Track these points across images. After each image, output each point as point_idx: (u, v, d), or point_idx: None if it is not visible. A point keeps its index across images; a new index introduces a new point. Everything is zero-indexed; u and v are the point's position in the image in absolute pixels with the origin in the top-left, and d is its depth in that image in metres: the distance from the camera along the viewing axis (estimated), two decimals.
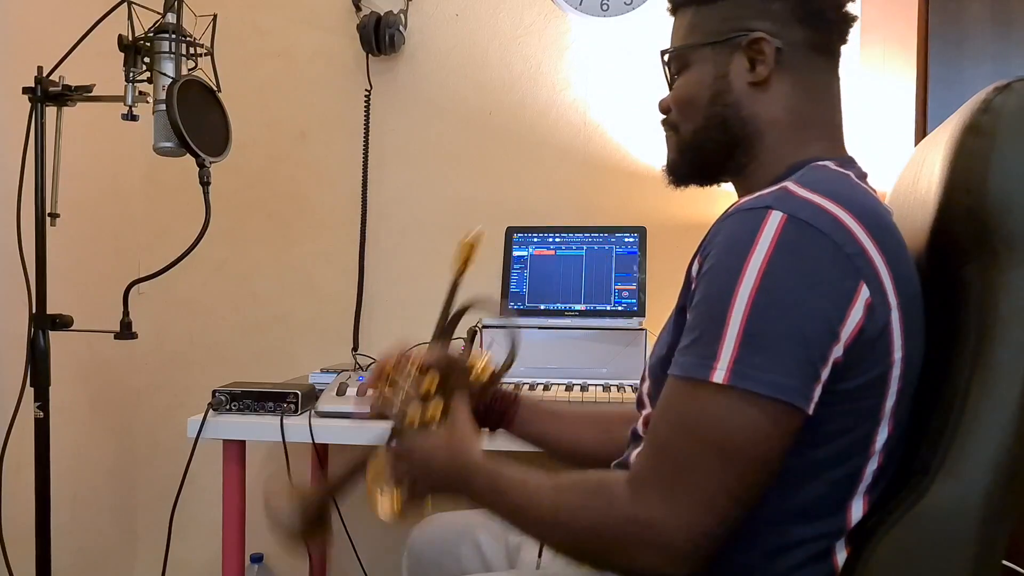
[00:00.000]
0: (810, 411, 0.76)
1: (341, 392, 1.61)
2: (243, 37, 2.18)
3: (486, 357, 1.01)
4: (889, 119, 1.71)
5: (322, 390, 1.65)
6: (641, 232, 1.85)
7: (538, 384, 1.59)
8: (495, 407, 1.16)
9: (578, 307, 1.83)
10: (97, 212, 2.09)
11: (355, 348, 2.14)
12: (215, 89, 1.53)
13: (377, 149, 2.17)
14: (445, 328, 1.06)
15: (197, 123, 1.45)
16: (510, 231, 1.93)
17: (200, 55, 1.51)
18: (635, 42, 2.04)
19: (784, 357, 0.74)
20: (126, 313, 1.52)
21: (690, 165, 0.98)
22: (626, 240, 1.85)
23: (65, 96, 1.52)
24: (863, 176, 0.91)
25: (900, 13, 1.62)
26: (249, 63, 2.19)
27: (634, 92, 2.04)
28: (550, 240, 1.90)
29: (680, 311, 0.84)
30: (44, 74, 1.50)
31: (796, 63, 0.90)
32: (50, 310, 1.53)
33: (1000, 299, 0.82)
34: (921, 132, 1.53)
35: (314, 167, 2.20)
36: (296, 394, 1.59)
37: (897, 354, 0.79)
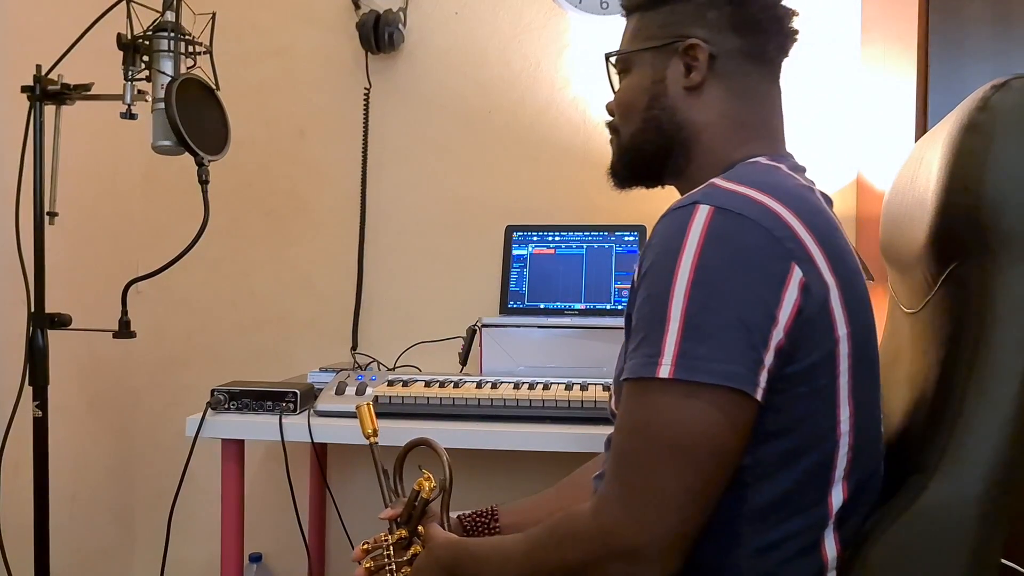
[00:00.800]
0: (759, 397, 0.76)
1: (340, 391, 1.61)
2: (242, 35, 2.18)
3: (427, 477, 1.06)
4: (889, 118, 1.71)
5: (321, 389, 1.65)
6: (641, 231, 1.85)
7: (538, 383, 1.59)
8: (477, 532, 1.20)
9: (578, 306, 1.83)
10: (96, 211, 2.09)
11: (354, 347, 2.14)
12: (214, 87, 1.52)
13: (376, 148, 2.16)
14: (391, 488, 1.16)
15: (196, 121, 1.44)
16: (509, 229, 1.93)
17: (199, 53, 1.50)
18: None
19: (726, 345, 0.75)
20: (125, 312, 1.52)
21: (629, 167, 1.01)
22: (626, 239, 1.85)
23: (64, 95, 1.51)
24: (799, 169, 0.93)
25: (900, 12, 1.61)
26: (248, 61, 2.19)
27: None
28: (550, 239, 1.90)
29: (628, 319, 0.85)
30: (43, 73, 1.50)
31: (730, 70, 0.93)
32: (48, 309, 1.52)
33: (997, 297, 0.82)
34: (921, 131, 1.52)
35: (313, 166, 2.20)
36: (295, 393, 1.59)
37: (841, 331, 0.79)
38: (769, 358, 0.76)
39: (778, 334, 0.76)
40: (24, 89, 1.49)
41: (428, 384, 1.62)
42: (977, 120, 0.84)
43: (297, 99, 2.20)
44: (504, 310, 1.88)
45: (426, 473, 1.07)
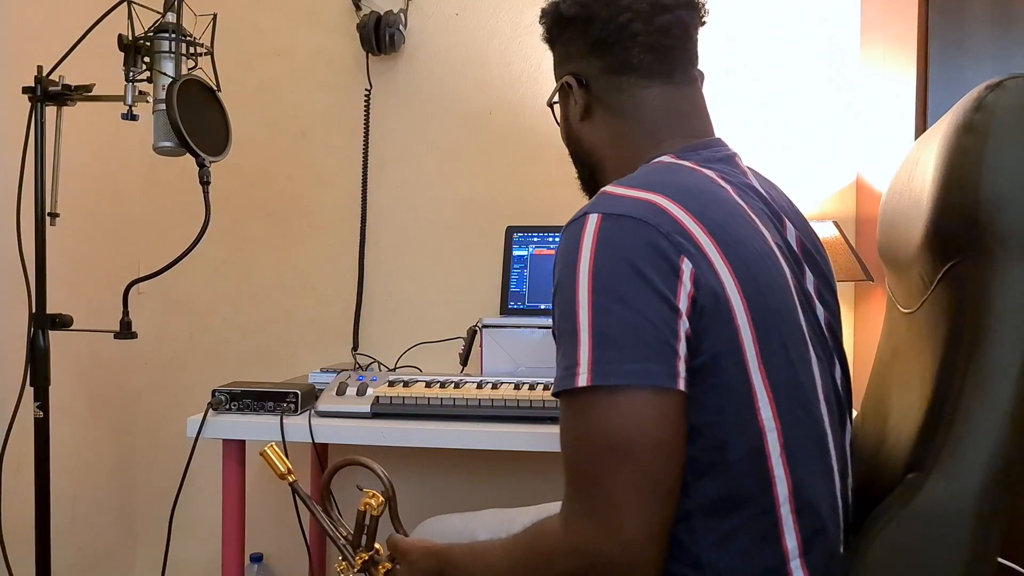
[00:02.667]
0: (681, 387, 0.78)
1: (341, 392, 1.61)
2: (243, 37, 2.18)
3: (371, 495, 1.06)
4: (889, 118, 1.71)
5: (322, 390, 1.65)
6: None
7: (538, 384, 1.59)
8: None
9: None
10: (97, 212, 2.09)
11: (355, 348, 2.14)
12: (215, 89, 1.53)
13: (377, 148, 2.17)
14: (333, 519, 1.13)
15: (197, 123, 1.45)
16: (510, 230, 1.93)
17: (200, 54, 1.51)
18: None
19: (636, 344, 0.76)
20: (126, 312, 1.52)
21: (588, 192, 1.09)
22: None
23: (65, 96, 1.51)
24: (717, 159, 0.94)
25: (900, 13, 1.62)
26: (249, 63, 2.19)
27: None
28: (550, 240, 1.90)
29: (554, 335, 0.87)
30: (44, 74, 1.50)
31: (603, 90, 0.99)
32: (50, 310, 1.53)
33: (993, 297, 0.82)
34: (921, 131, 1.52)
35: (314, 167, 2.20)
36: (296, 394, 1.59)
37: (741, 318, 0.80)
38: (683, 348, 0.78)
39: (684, 324, 0.78)
40: (25, 90, 1.50)
41: (429, 384, 1.62)
42: (972, 120, 0.84)
43: (298, 100, 2.20)
44: (504, 311, 1.88)
45: (367, 491, 1.06)
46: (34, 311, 1.52)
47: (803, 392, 0.85)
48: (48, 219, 1.53)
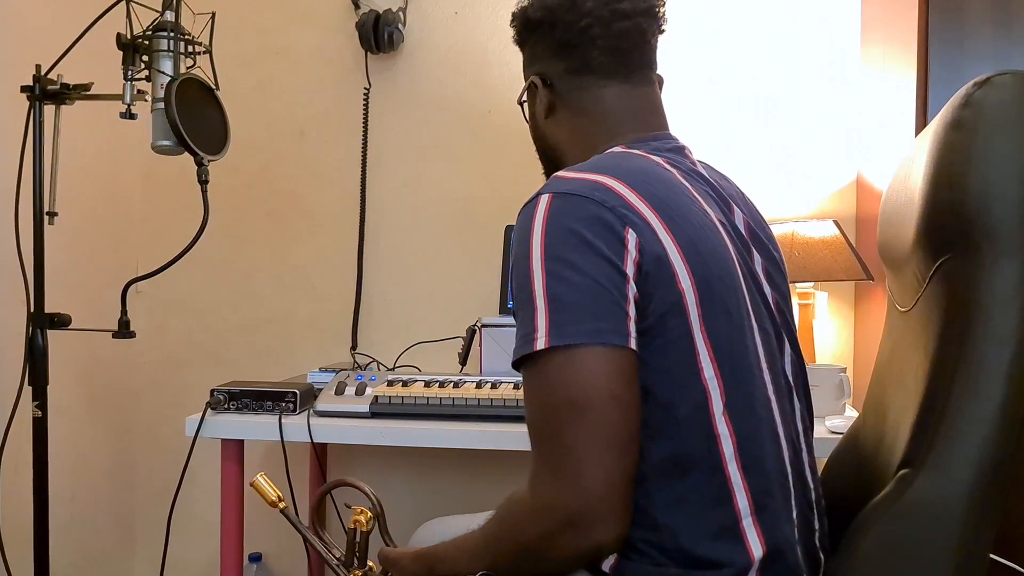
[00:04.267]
0: (632, 345, 0.82)
1: (340, 391, 1.61)
2: (242, 35, 2.18)
3: (359, 511, 1.10)
4: (889, 118, 1.71)
5: (320, 389, 1.65)
6: None
7: None
8: None
9: None
10: (95, 211, 2.09)
11: (354, 347, 2.14)
12: (214, 87, 1.52)
13: (376, 147, 2.16)
14: (322, 539, 1.17)
15: (196, 121, 1.44)
16: (509, 229, 1.93)
17: (199, 53, 1.50)
18: None
19: (588, 305, 0.82)
20: (124, 312, 1.51)
21: None
22: None
23: (63, 94, 1.51)
24: (665, 150, 0.99)
25: (900, 12, 1.61)
26: (248, 61, 2.19)
27: None
28: None
29: (513, 314, 0.91)
30: (42, 72, 1.50)
31: (566, 89, 1.05)
32: (48, 309, 1.52)
33: (982, 293, 0.82)
34: (921, 131, 1.52)
35: (313, 166, 2.20)
36: (294, 393, 1.59)
37: (685, 282, 0.85)
38: (632, 309, 0.83)
39: (632, 287, 0.83)
40: (24, 89, 1.49)
41: (428, 384, 1.62)
42: (960, 117, 0.84)
43: (297, 99, 2.20)
44: (504, 310, 1.88)
45: (356, 508, 1.09)
46: (32, 310, 1.52)
47: (745, 355, 0.88)
48: (46, 218, 1.53)
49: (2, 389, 1.66)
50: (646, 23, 1.03)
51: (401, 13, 2.10)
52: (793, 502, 0.90)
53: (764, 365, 0.90)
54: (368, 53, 2.12)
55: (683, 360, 0.85)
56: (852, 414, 1.72)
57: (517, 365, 0.86)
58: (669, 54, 2.04)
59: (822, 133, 2.00)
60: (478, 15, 2.13)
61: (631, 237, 0.84)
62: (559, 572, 0.85)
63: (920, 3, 1.49)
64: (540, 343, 0.82)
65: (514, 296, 0.88)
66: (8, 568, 1.56)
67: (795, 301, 1.79)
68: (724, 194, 0.99)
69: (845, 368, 1.69)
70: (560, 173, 0.92)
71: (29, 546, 1.53)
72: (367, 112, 2.15)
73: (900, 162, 1.07)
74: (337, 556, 1.10)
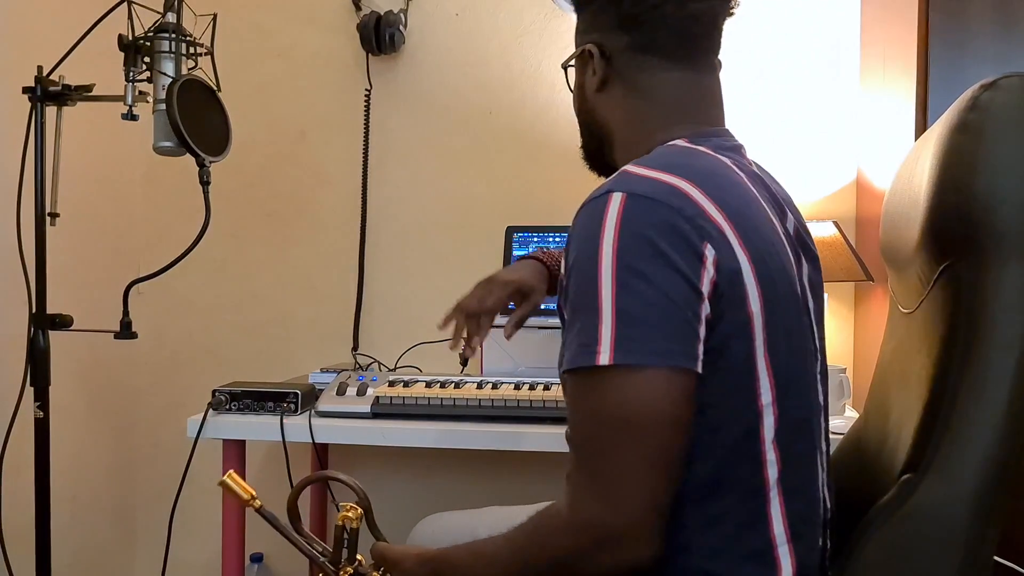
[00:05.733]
0: (699, 369, 0.78)
1: (341, 392, 1.61)
2: (243, 36, 2.18)
3: (348, 507, 1.04)
4: (889, 119, 1.71)
5: (322, 390, 1.65)
6: None
7: (538, 384, 1.59)
8: None
9: None
10: (97, 212, 2.09)
11: (355, 348, 2.14)
12: (215, 89, 1.53)
13: (377, 148, 2.17)
14: (305, 535, 1.10)
15: (197, 123, 1.45)
16: (510, 231, 1.93)
17: (200, 54, 1.51)
18: None
19: (659, 324, 0.77)
20: (126, 313, 1.52)
21: (590, 161, 1.09)
22: None
23: (65, 96, 1.51)
24: (728, 148, 0.94)
25: (900, 13, 1.61)
26: (249, 63, 2.19)
27: None
28: (550, 240, 1.90)
29: (561, 312, 0.87)
30: (44, 74, 1.50)
31: (625, 65, 0.97)
32: (50, 310, 1.52)
33: (988, 296, 0.82)
34: (921, 132, 1.52)
35: (314, 167, 2.20)
36: (296, 394, 1.59)
37: (755, 305, 0.81)
38: (703, 330, 0.79)
39: (706, 308, 0.79)
40: (25, 90, 1.50)
41: (429, 385, 1.62)
42: (967, 120, 0.84)
43: (298, 100, 2.20)
44: (504, 311, 1.88)
45: (344, 505, 1.05)
46: (34, 311, 1.52)
47: (804, 380, 0.86)
48: (48, 219, 1.53)
49: (4, 390, 1.67)
50: (720, 6, 0.97)
51: (402, 14, 2.11)
52: (820, 526, 0.89)
53: (818, 390, 0.88)
54: (369, 54, 2.12)
55: (742, 384, 0.81)
56: (852, 415, 1.72)
57: (570, 373, 0.81)
58: None
59: (822, 134, 2.00)
60: (479, 16, 2.13)
61: (709, 253, 0.79)
62: None
63: (920, 4, 1.49)
64: (604, 357, 0.76)
65: (570, 298, 0.83)
66: (9, 568, 1.56)
67: None
68: (779, 199, 0.95)
69: (845, 368, 1.69)
70: (631, 169, 0.85)
71: (30, 546, 1.53)
72: (368, 113, 2.15)
73: (903, 163, 1.07)
74: (320, 551, 1.06)
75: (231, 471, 1.09)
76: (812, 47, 2.00)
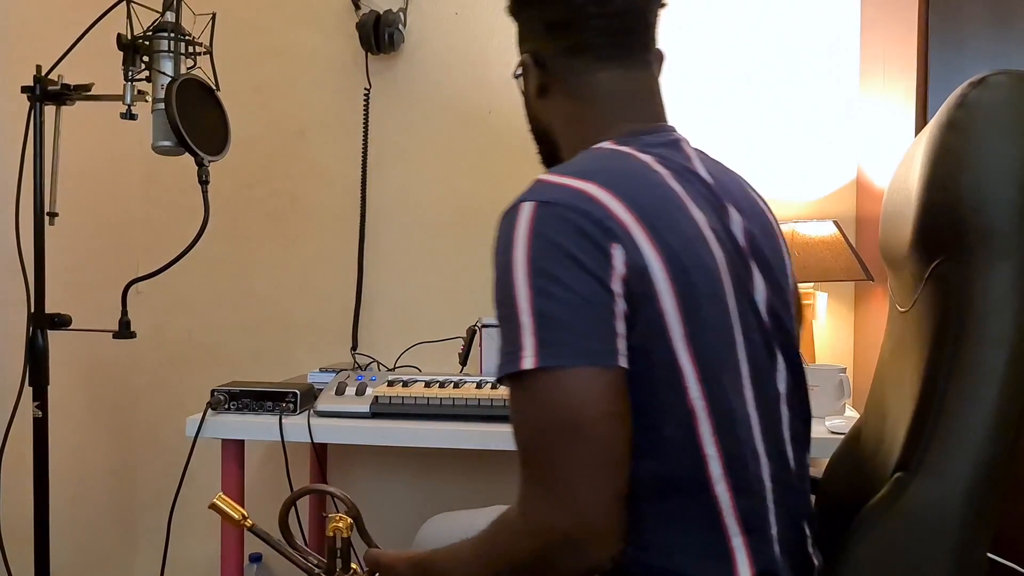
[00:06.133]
0: (623, 363, 0.80)
1: (340, 391, 1.61)
2: (242, 36, 2.18)
3: (338, 518, 1.07)
4: (889, 119, 1.71)
5: (321, 389, 1.65)
6: None
7: None
8: None
9: None
10: (96, 211, 2.09)
11: (354, 347, 2.14)
12: (214, 88, 1.53)
13: (376, 148, 2.17)
14: (300, 549, 1.13)
15: (196, 122, 1.45)
16: None
17: (199, 54, 1.51)
18: None
19: (577, 324, 0.79)
20: (125, 312, 1.52)
21: (547, 167, 1.08)
22: None
23: (64, 95, 1.51)
24: (657, 144, 0.94)
25: (900, 13, 1.61)
26: (248, 62, 2.19)
27: None
28: None
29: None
30: (43, 73, 1.50)
31: (560, 70, 1.00)
32: (49, 309, 1.52)
33: (977, 295, 0.81)
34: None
35: (313, 166, 2.20)
36: (295, 393, 1.59)
37: (667, 301, 0.82)
38: (621, 326, 0.80)
39: (620, 304, 0.80)
40: (24, 89, 1.50)
41: (428, 384, 1.62)
42: (955, 117, 0.84)
43: (297, 99, 2.20)
44: None
45: (333, 516, 1.06)
46: (33, 311, 1.52)
47: (731, 374, 0.86)
48: (47, 218, 1.53)
49: (3, 389, 1.67)
50: (645, 1, 0.98)
51: (401, 13, 2.11)
52: (773, 519, 0.88)
53: (749, 382, 0.88)
54: (368, 53, 2.12)
55: (668, 381, 0.83)
56: (852, 414, 1.72)
57: (501, 381, 0.83)
58: (668, 54, 2.04)
59: (822, 133, 2.00)
60: (478, 15, 2.13)
61: (616, 252, 0.81)
62: None
63: (920, 4, 1.49)
64: (527, 362, 0.78)
65: (496, 309, 0.85)
66: (8, 568, 1.56)
67: None
68: (720, 192, 0.95)
69: (845, 368, 1.69)
70: (544, 177, 0.88)
71: (29, 546, 1.53)
72: (367, 112, 2.15)
73: (900, 161, 1.07)
74: (315, 563, 1.08)
75: (220, 493, 1.11)
76: (812, 47, 2.00)
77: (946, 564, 0.81)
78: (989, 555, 0.85)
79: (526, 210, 0.83)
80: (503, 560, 0.84)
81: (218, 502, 1.08)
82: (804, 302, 1.83)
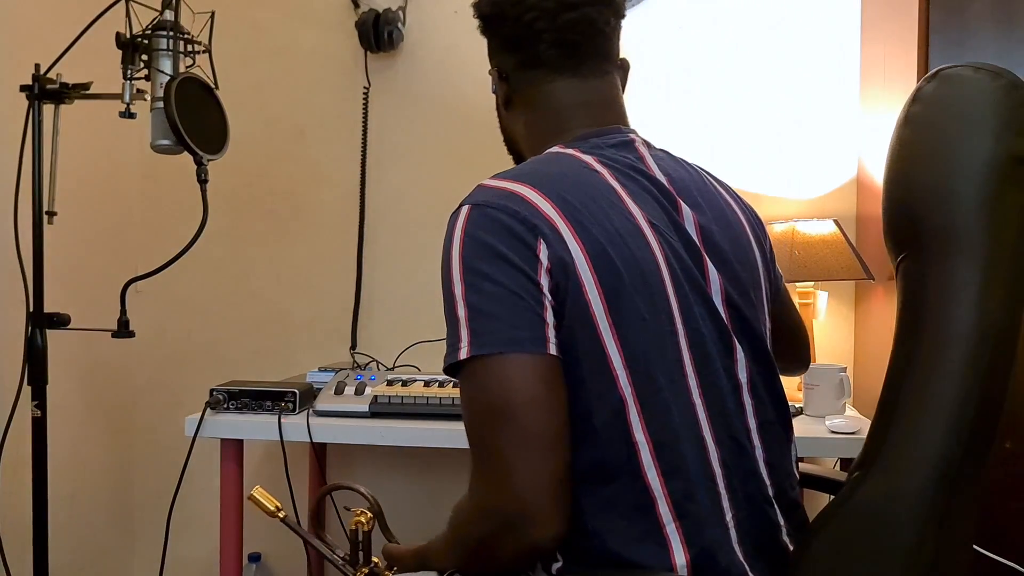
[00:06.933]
0: (552, 351, 0.84)
1: (339, 391, 1.61)
2: (241, 34, 2.18)
3: (359, 513, 1.14)
4: (889, 118, 1.71)
5: (320, 389, 1.65)
6: None
7: None
8: None
9: None
10: (95, 210, 2.09)
11: (353, 347, 2.14)
12: (213, 86, 1.52)
13: (376, 147, 2.16)
14: (327, 544, 1.20)
15: (195, 121, 1.44)
16: None
17: (198, 52, 1.50)
18: (634, 40, 2.04)
19: (505, 315, 0.84)
20: (123, 311, 1.51)
21: None
22: None
23: (63, 94, 1.51)
24: (607, 146, 0.98)
25: (900, 12, 1.61)
26: (247, 60, 2.18)
27: (633, 90, 2.04)
28: None
29: None
30: (41, 71, 1.50)
31: (519, 83, 1.07)
32: (47, 308, 1.52)
33: (929, 293, 0.80)
34: None
35: (312, 165, 2.19)
36: (294, 393, 1.59)
37: (592, 293, 0.86)
38: (550, 316, 0.85)
39: (547, 297, 0.85)
40: (23, 88, 1.49)
41: (427, 384, 1.61)
42: (910, 112, 0.83)
43: (296, 98, 2.20)
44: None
45: (355, 510, 1.13)
46: (32, 310, 1.51)
47: (664, 363, 0.88)
48: (46, 218, 1.52)
49: (1, 389, 1.66)
50: (596, 12, 1.02)
51: (401, 12, 2.10)
52: (726, 504, 0.89)
53: (690, 370, 0.89)
54: (368, 52, 2.11)
55: (596, 370, 0.86)
56: (852, 413, 1.72)
57: (449, 373, 0.88)
58: (669, 52, 2.04)
59: (823, 132, 1.99)
60: None
61: (542, 247, 0.85)
62: (510, 572, 0.87)
63: (920, 3, 1.49)
64: (463, 352, 0.84)
65: (444, 308, 0.91)
66: (7, 567, 1.55)
67: (795, 301, 1.79)
68: (672, 189, 0.96)
69: (845, 368, 1.69)
70: (484, 182, 0.94)
71: (28, 546, 1.53)
72: (367, 111, 2.15)
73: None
74: (341, 556, 1.14)
75: (258, 486, 1.19)
76: (813, 45, 1.99)
77: (896, 562, 0.80)
78: (990, 556, 0.84)
79: (463, 213, 0.90)
80: (461, 543, 0.90)
81: (255, 494, 1.17)
82: (804, 302, 1.83)
